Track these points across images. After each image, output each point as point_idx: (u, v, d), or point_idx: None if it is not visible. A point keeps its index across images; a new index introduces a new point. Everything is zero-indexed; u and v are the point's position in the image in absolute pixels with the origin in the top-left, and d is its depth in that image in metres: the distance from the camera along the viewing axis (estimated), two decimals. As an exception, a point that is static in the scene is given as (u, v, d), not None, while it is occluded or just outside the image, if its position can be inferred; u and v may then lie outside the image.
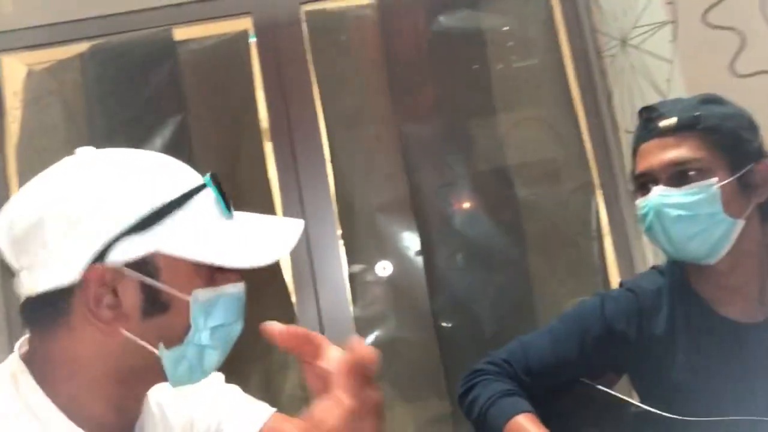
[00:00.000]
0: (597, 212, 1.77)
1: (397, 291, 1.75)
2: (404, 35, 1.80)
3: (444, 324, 1.72)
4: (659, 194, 0.90)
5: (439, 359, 1.69)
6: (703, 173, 0.89)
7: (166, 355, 0.62)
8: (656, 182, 0.91)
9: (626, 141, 1.71)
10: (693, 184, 0.89)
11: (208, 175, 0.66)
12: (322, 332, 1.67)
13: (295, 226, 0.68)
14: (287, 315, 1.70)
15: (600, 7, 1.73)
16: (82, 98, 1.73)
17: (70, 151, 0.66)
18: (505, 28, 1.83)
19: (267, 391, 1.70)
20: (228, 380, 0.81)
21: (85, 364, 0.61)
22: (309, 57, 1.77)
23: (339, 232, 1.72)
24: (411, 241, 1.75)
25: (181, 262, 0.61)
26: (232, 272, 0.65)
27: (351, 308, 1.70)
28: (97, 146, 0.67)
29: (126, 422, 0.66)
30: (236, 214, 0.67)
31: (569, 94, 1.81)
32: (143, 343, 0.61)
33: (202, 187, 0.64)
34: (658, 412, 0.91)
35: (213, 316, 0.63)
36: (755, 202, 0.91)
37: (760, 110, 0.95)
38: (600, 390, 0.98)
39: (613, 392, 0.98)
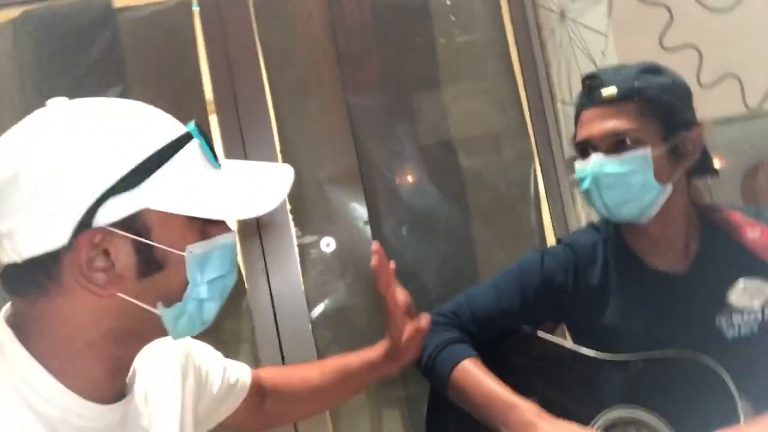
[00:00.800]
0: (535, 180, 1.85)
1: (347, 261, 1.77)
2: (350, 5, 1.79)
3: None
4: (597, 162, 0.95)
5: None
6: (638, 142, 0.93)
7: (166, 314, 0.60)
8: (595, 149, 0.96)
9: (563, 112, 1.78)
10: (629, 153, 0.93)
11: (192, 123, 0.62)
12: (273, 305, 1.68)
13: (286, 172, 0.66)
14: (237, 289, 1.69)
15: (540, -20, 1.78)
16: (14, 68, 1.63)
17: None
18: (449, 1, 1.86)
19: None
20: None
21: (81, 328, 0.59)
22: (254, 27, 1.73)
23: (288, 205, 1.72)
24: (360, 212, 1.77)
25: (173, 217, 0.59)
26: (222, 223, 0.64)
27: (301, 280, 1.70)
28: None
29: (118, 381, 0.64)
30: (224, 162, 0.65)
31: (511, 66, 1.85)
32: (142, 304, 0.59)
33: (187, 136, 0.61)
34: (592, 352, 0.98)
35: (209, 270, 0.62)
36: (684, 167, 0.97)
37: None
38: (540, 336, 1.06)
39: (552, 337, 1.05)
